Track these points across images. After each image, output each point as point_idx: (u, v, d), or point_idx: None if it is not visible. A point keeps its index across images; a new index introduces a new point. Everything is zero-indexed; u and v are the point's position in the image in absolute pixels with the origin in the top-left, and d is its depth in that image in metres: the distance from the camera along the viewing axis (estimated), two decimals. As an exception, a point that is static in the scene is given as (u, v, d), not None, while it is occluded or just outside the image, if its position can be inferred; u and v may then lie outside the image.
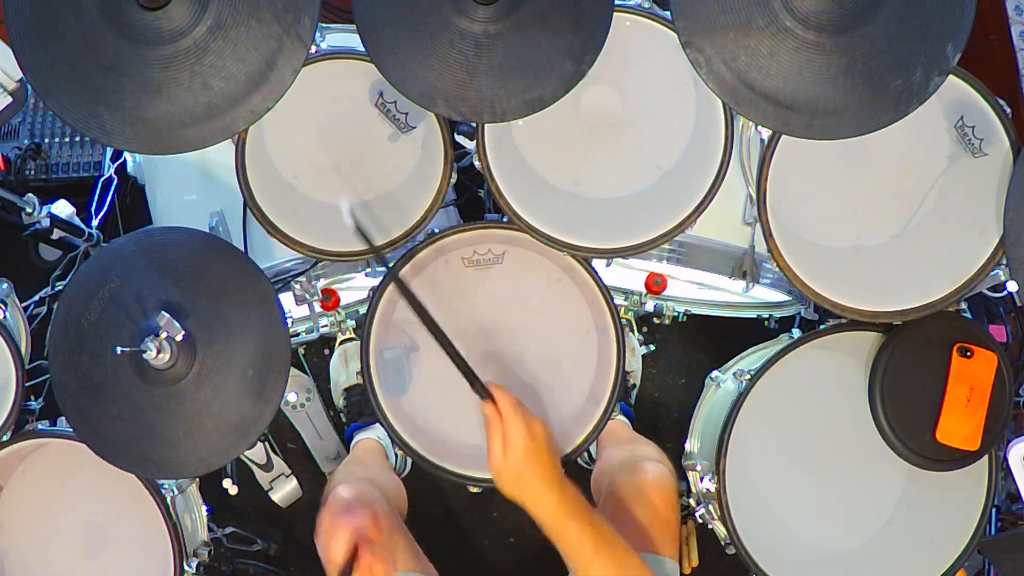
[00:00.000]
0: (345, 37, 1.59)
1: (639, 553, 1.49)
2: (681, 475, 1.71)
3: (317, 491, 2.11)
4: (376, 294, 1.53)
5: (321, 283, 1.71)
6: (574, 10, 1.32)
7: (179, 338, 1.27)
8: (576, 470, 1.78)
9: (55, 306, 1.43)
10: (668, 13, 1.36)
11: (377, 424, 2.04)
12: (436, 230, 1.53)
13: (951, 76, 1.33)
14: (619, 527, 1.57)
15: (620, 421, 1.96)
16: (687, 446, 1.74)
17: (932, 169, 1.49)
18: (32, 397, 1.59)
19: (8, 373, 1.46)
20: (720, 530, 1.55)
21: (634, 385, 2.12)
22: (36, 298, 2.06)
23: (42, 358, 1.50)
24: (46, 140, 2.26)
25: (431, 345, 1.57)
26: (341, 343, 2.12)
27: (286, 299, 1.62)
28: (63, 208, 2.00)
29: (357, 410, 2.09)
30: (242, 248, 1.61)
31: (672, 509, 1.55)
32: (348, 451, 2.07)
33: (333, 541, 1.45)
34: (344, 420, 2.14)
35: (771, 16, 1.25)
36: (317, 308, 1.76)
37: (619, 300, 1.88)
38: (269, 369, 1.35)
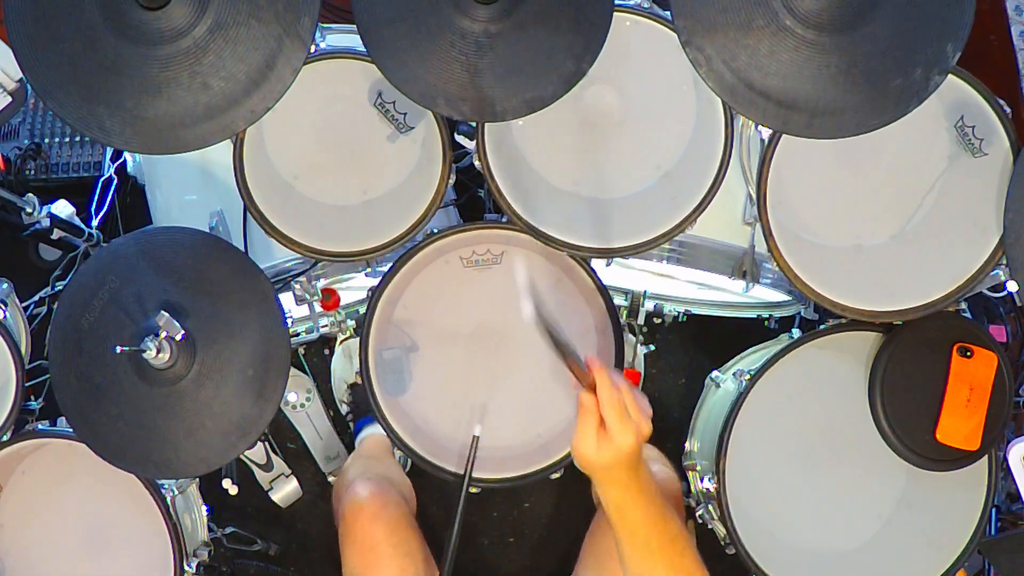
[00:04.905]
0: (345, 37, 1.59)
1: None
2: (681, 475, 1.71)
3: (317, 491, 2.12)
4: (375, 294, 1.53)
5: (321, 283, 1.70)
6: (574, 10, 1.32)
7: (179, 338, 1.27)
8: (575, 471, 1.77)
9: (55, 306, 1.43)
10: (668, 13, 1.36)
11: None
12: (436, 230, 1.53)
13: (951, 76, 1.33)
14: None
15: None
16: (687, 446, 1.74)
17: (932, 169, 1.49)
18: (32, 397, 1.59)
19: (8, 373, 1.46)
20: (720, 530, 1.55)
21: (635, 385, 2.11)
22: (36, 298, 2.06)
23: (42, 358, 1.50)
24: (46, 140, 2.26)
25: (430, 345, 1.58)
26: (342, 342, 2.12)
27: (286, 299, 1.62)
28: (63, 208, 2.00)
29: (366, 406, 2.08)
30: (242, 248, 1.61)
31: (678, 511, 1.53)
32: (353, 447, 2.06)
33: (369, 524, 1.49)
34: (351, 416, 2.14)
35: (771, 15, 1.25)
36: (317, 308, 1.76)
37: (619, 300, 1.88)
38: (269, 369, 1.35)
